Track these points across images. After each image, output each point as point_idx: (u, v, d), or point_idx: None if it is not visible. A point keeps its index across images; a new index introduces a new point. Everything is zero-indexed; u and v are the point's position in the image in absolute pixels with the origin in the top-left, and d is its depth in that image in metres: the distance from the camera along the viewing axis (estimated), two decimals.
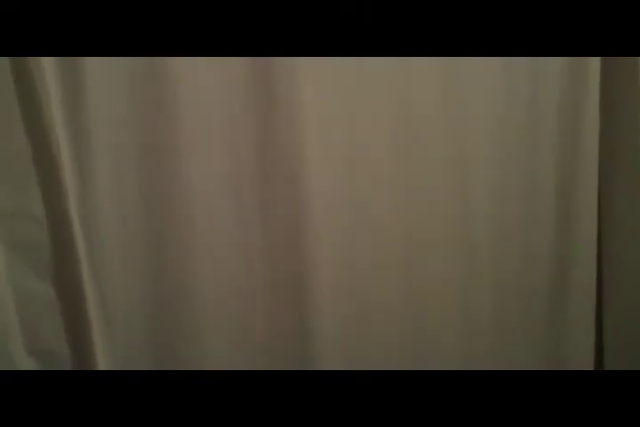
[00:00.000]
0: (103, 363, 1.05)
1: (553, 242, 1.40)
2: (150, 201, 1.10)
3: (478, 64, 1.26)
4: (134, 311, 1.11)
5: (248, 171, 1.15)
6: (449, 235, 1.31)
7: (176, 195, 1.11)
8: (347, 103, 1.19)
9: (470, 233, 1.33)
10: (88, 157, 1.04)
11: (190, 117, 1.10)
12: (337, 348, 1.23)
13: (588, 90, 1.34)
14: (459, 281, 1.33)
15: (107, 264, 1.07)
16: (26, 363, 0.99)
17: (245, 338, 1.18)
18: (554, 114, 1.35)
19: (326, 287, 1.20)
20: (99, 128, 1.04)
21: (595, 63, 1.33)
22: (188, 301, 1.13)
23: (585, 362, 1.44)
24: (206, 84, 1.10)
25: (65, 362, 1.02)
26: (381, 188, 1.24)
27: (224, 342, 1.16)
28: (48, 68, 0.97)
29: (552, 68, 1.33)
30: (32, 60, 0.94)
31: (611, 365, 1.45)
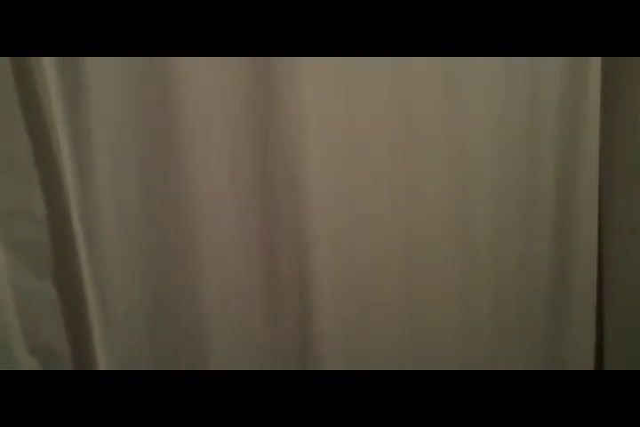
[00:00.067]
0: (103, 363, 1.05)
1: (553, 242, 1.40)
2: (150, 201, 1.10)
3: (478, 64, 1.26)
4: (134, 311, 1.11)
5: (248, 171, 1.15)
6: (449, 235, 1.31)
7: (176, 195, 1.11)
8: (347, 103, 1.19)
9: (470, 233, 1.33)
10: (88, 157, 1.04)
11: (190, 117, 1.10)
12: (337, 348, 1.23)
13: (589, 90, 1.34)
14: (459, 281, 1.33)
15: (107, 264, 1.07)
16: (27, 363, 0.99)
17: (246, 338, 1.18)
18: (554, 114, 1.35)
19: (326, 287, 1.20)
20: (99, 128, 1.04)
21: (595, 63, 1.33)
22: (188, 301, 1.13)
23: (585, 362, 1.44)
24: (207, 84, 1.10)
25: (65, 362, 1.02)
26: (381, 188, 1.24)
27: (224, 342, 1.16)
28: (48, 68, 0.97)
29: (552, 68, 1.33)
30: (32, 60, 0.94)
31: (611, 365, 1.45)
